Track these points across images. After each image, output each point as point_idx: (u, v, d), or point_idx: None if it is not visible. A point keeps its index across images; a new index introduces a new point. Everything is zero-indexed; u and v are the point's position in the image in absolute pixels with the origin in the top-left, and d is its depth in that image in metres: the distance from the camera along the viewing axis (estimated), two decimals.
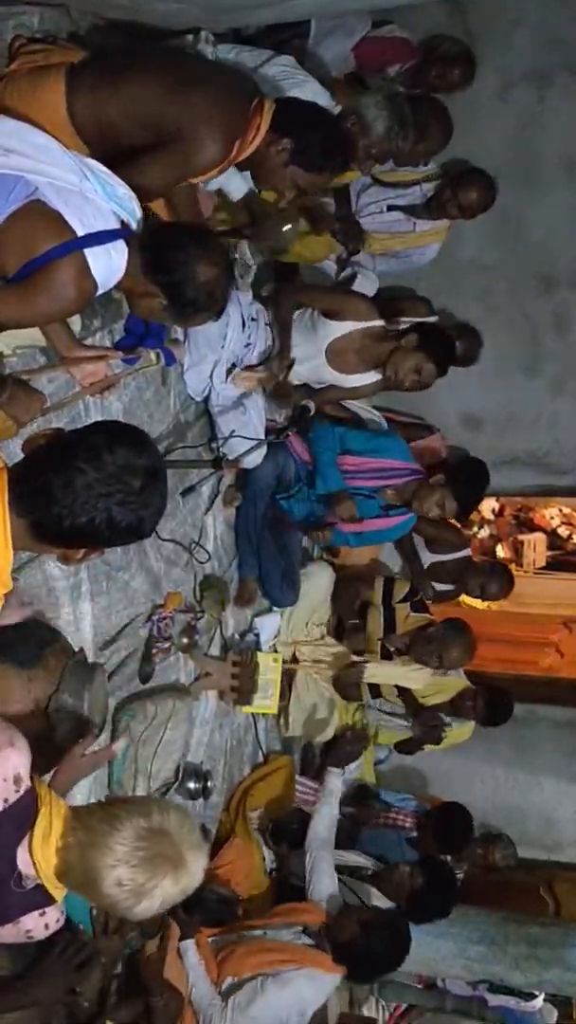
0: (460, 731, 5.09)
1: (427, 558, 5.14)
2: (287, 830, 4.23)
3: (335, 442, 4.41)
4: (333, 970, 3.58)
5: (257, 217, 3.71)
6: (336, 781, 4.16)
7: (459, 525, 5.39)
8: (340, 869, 4.25)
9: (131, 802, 2.05)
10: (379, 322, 4.21)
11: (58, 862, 1.94)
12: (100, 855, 1.90)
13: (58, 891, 1.98)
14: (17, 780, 1.89)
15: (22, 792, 1.90)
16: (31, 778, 1.94)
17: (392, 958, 3.70)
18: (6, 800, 1.88)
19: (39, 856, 1.92)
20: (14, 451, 2.67)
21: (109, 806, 2.01)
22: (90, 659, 3.11)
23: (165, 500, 1.89)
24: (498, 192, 4.46)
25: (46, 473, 1.78)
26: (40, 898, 1.96)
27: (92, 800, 3.11)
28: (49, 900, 1.97)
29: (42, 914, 1.98)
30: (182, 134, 2.73)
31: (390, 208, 4.50)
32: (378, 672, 4.76)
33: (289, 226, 3.70)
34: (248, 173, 3.43)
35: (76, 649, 2.60)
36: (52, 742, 2.26)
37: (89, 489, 1.76)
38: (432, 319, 4.72)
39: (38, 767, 2.01)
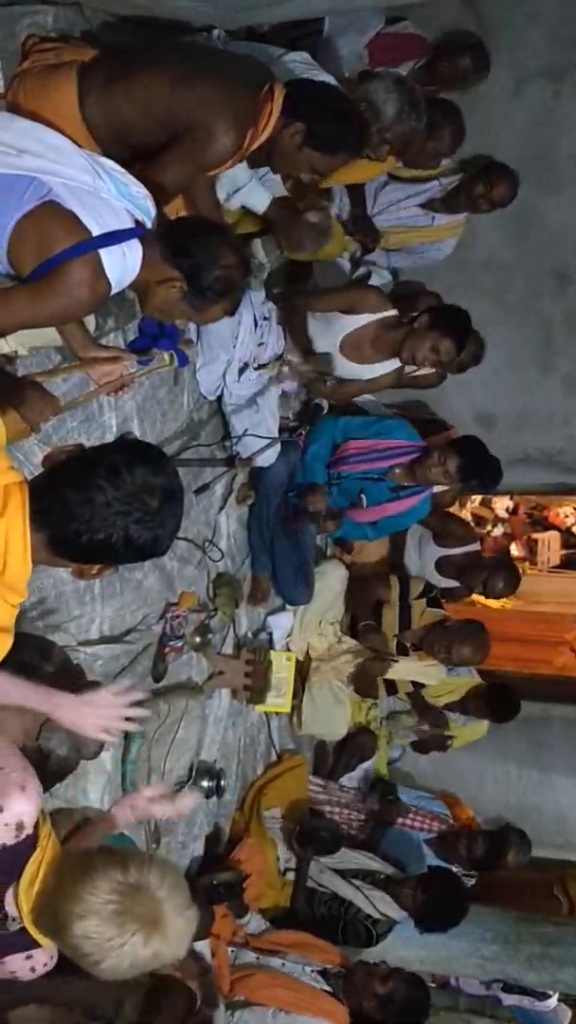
0: (475, 729, 5.09)
1: (434, 552, 5.13)
2: (316, 837, 4.22)
3: (335, 431, 4.40)
4: (344, 1023, 3.61)
5: (283, 226, 3.71)
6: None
7: (471, 524, 5.38)
8: (355, 872, 4.26)
9: (113, 854, 2.00)
10: (392, 311, 4.19)
11: (33, 904, 1.93)
12: (69, 902, 1.86)
13: (42, 936, 1.97)
14: (19, 827, 1.90)
15: (21, 838, 1.91)
16: (35, 826, 1.94)
17: None
18: (3, 844, 1.88)
19: (23, 900, 1.92)
20: (28, 449, 2.69)
21: (90, 854, 1.98)
22: (104, 658, 3.14)
23: (180, 520, 1.92)
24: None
25: (66, 489, 1.80)
26: (25, 941, 1.96)
27: (106, 799, 3.12)
28: (35, 944, 1.97)
29: (28, 957, 1.98)
30: (195, 127, 2.72)
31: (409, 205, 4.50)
32: (395, 668, 4.75)
33: (313, 215, 3.70)
34: (266, 181, 3.44)
35: (76, 661, 2.60)
36: (45, 770, 2.26)
37: (108, 507, 1.78)
38: None
39: None
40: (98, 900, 1.85)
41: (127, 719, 2.24)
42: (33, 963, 1.99)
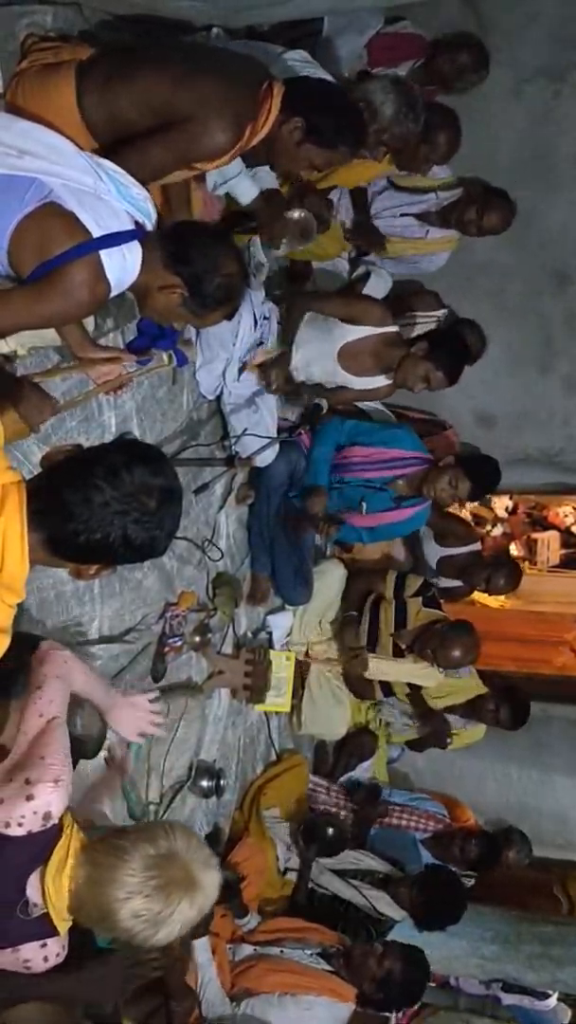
0: (473, 732, 5.08)
1: (436, 552, 5.13)
2: (321, 836, 4.22)
3: (341, 435, 4.40)
4: (350, 1000, 3.63)
5: (265, 220, 3.69)
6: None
7: (472, 522, 5.38)
8: (353, 873, 4.27)
9: (135, 831, 2.08)
10: (394, 328, 4.21)
11: (70, 899, 1.98)
12: (112, 889, 1.93)
13: (63, 924, 2.00)
14: (46, 816, 1.93)
15: (48, 827, 1.94)
16: (61, 817, 1.97)
17: (407, 1002, 3.83)
18: (30, 831, 1.92)
19: (50, 887, 1.95)
20: (26, 448, 2.69)
21: (114, 838, 2.03)
22: (103, 657, 3.14)
23: (178, 521, 1.92)
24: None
25: (64, 489, 1.80)
26: (43, 928, 1.98)
27: (106, 798, 3.12)
28: (52, 932, 1.99)
29: (43, 945, 2.00)
30: (193, 118, 2.71)
31: (404, 214, 4.48)
32: (389, 669, 4.73)
33: (298, 213, 3.68)
34: (257, 176, 3.42)
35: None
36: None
37: (106, 507, 1.78)
38: (442, 312, 4.71)
39: None
40: (138, 879, 1.92)
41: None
42: (47, 952, 2.01)
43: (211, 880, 2.01)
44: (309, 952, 3.71)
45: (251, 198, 3.53)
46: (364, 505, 4.37)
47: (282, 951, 3.69)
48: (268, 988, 3.48)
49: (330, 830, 4.26)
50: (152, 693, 2.75)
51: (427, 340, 4.15)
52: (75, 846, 2.01)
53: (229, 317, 2.86)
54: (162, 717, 2.67)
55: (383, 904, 4.15)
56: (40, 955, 2.01)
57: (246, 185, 3.48)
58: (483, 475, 4.42)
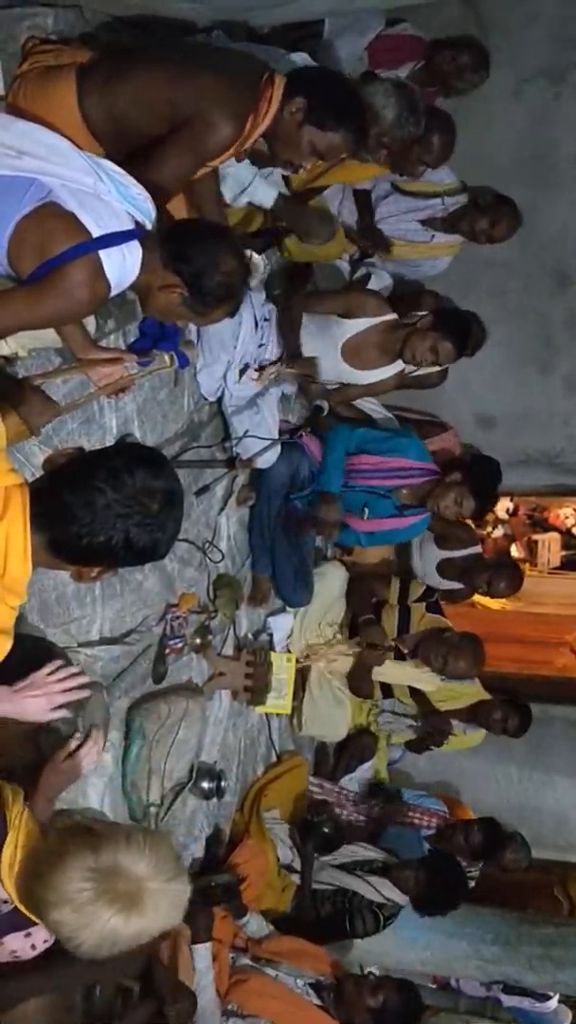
0: (472, 737, 5.08)
1: (437, 555, 5.13)
2: (318, 833, 4.23)
3: (350, 442, 4.40)
4: None
5: (292, 219, 3.72)
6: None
7: (473, 524, 5.36)
8: (353, 865, 4.27)
9: (92, 835, 1.95)
10: (392, 315, 4.20)
11: (16, 886, 1.93)
12: (44, 889, 1.85)
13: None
14: None
15: None
16: (5, 813, 1.93)
17: None
18: None
19: (7, 883, 1.92)
20: (29, 451, 2.69)
21: (66, 837, 1.94)
22: (104, 659, 3.14)
23: (180, 524, 1.92)
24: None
25: (66, 492, 1.81)
26: (21, 921, 1.96)
27: (106, 801, 3.12)
28: (32, 922, 1.96)
29: (27, 935, 1.98)
30: (195, 116, 2.70)
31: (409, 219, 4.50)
32: (391, 671, 4.74)
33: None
34: (270, 179, 3.42)
35: (75, 664, 2.59)
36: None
37: (108, 509, 1.79)
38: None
39: (28, 794, 2.02)
40: (71, 888, 1.83)
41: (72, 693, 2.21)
42: (33, 940, 2.00)
43: (162, 902, 1.88)
44: (302, 982, 3.72)
45: (273, 200, 3.55)
46: (367, 511, 4.38)
47: (277, 975, 3.70)
48: (254, 1011, 3.49)
49: (326, 828, 4.26)
50: (50, 666, 2.28)
51: (432, 314, 4.16)
52: (22, 839, 1.97)
53: (232, 314, 2.85)
54: (82, 679, 2.27)
55: (387, 889, 4.16)
56: (27, 944, 2.00)
57: (265, 189, 3.49)
58: (488, 493, 4.45)
